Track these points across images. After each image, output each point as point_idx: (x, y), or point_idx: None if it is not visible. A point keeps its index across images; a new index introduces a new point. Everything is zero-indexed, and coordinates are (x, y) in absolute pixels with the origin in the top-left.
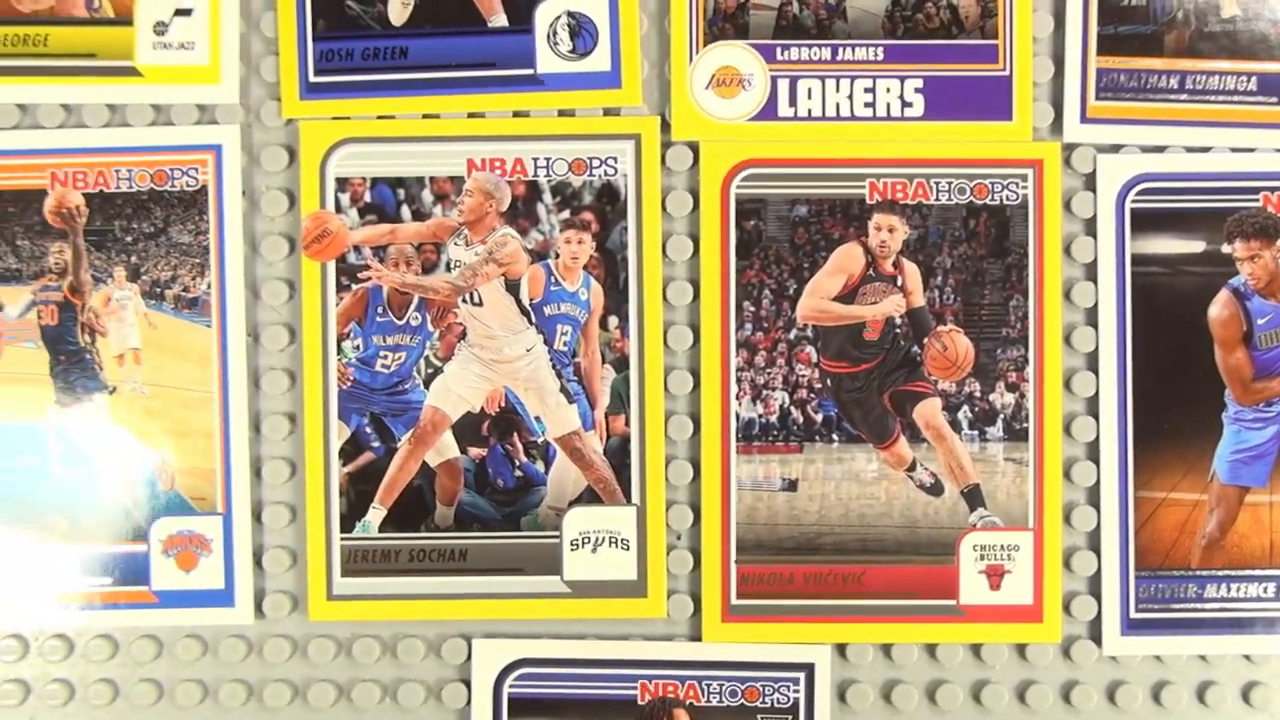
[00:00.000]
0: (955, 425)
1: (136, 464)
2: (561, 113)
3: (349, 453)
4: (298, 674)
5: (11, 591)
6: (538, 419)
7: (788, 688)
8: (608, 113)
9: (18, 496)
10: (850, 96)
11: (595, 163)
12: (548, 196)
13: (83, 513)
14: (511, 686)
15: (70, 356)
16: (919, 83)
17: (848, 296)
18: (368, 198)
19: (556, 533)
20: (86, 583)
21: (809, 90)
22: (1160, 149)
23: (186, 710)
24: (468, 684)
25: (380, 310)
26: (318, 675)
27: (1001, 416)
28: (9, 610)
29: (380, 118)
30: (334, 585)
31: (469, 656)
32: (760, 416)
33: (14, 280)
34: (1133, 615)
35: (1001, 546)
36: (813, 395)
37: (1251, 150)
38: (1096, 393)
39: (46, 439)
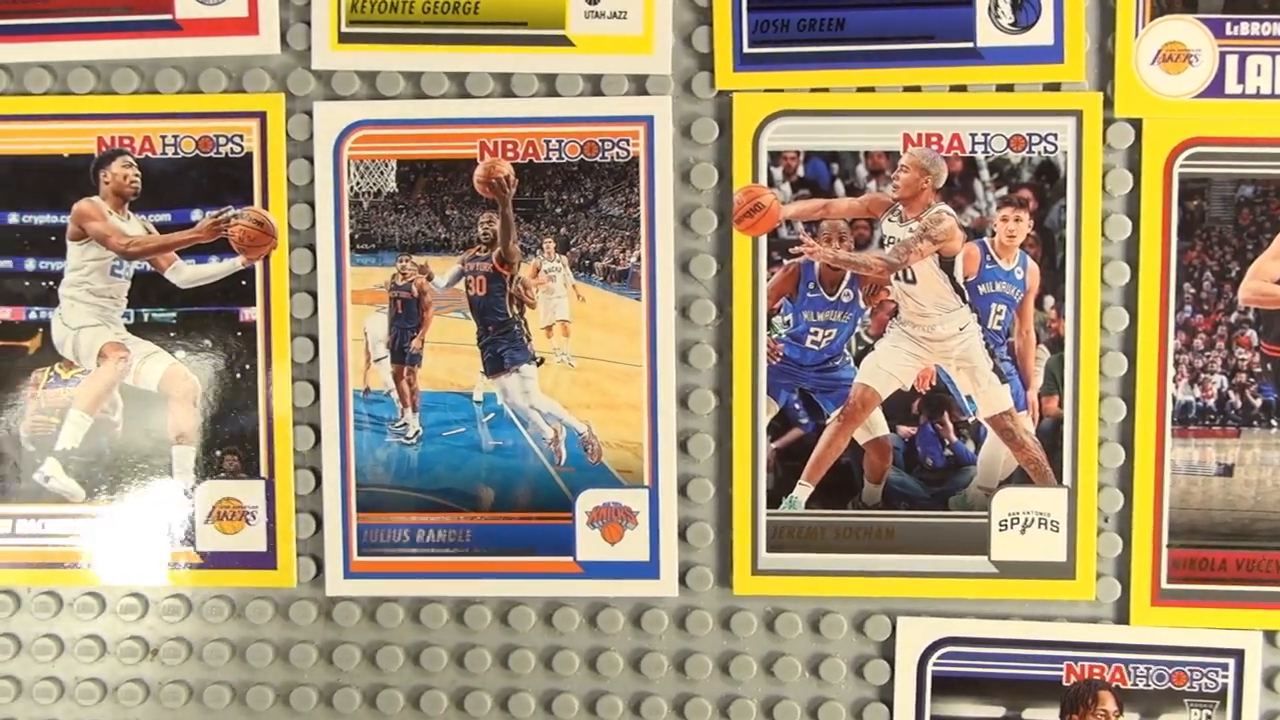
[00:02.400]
0: None
1: (563, 436)
2: (1000, 87)
3: (777, 428)
4: (718, 647)
5: (447, 560)
6: (969, 398)
7: (1216, 673)
8: (1047, 88)
9: (447, 465)
10: None
11: (1034, 139)
12: (985, 173)
13: (509, 483)
14: (935, 664)
15: (498, 327)
16: None
17: None
18: (801, 172)
19: (985, 513)
20: (512, 552)
21: (1258, 67)
22: None
23: (610, 679)
24: (890, 661)
25: (812, 286)
26: (739, 649)
27: None
28: (442, 577)
29: (814, 90)
30: (759, 560)
31: (892, 633)
32: (1197, 400)
33: (443, 250)
34: None
35: None
36: (1252, 380)
37: None
38: None
39: (474, 410)
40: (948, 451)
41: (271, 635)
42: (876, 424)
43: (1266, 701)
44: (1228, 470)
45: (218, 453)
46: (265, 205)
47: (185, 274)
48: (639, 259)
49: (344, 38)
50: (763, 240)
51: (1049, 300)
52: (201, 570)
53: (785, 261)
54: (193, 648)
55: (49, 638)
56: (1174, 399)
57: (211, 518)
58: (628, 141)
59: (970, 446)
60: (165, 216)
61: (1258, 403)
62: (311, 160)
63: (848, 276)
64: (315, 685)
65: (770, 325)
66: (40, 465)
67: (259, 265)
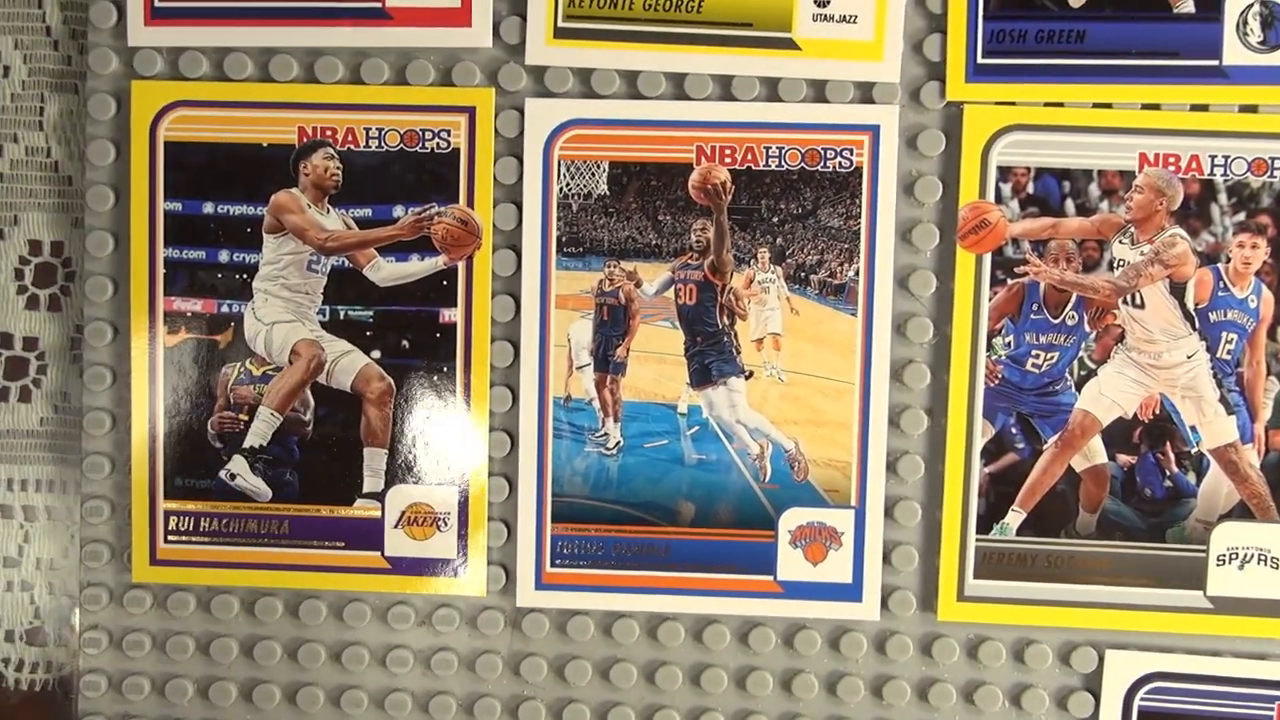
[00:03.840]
0: None
1: (769, 453)
2: (1243, 108)
3: (991, 452)
4: (918, 673)
5: (643, 575)
6: (1193, 429)
7: None
8: None
9: (647, 478)
10: None
11: (1277, 163)
12: (1223, 197)
13: (710, 499)
14: (1143, 700)
15: (707, 338)
16: None
17: None
18: (1030, 189)
19: (1203, 547)
20: (710, 569)
21: None
22: None
23: (804, 702)
24: (1095, 694)
25: (1036, 307)
26: (939, 675)
27: None
28: (637, 592)
29: (1048, 104)
30: (966, 586)
31: (1099, 666)
32: None
33: (653, 256)
34: None
35: None
36: None
37: None
38: None
39: (678, 422)
40: (1168, 482)
41: (457, 644)
42: (1095, 451)
43: None
44: None
45: (410, 456)
46: (470, 204)
47: (384, 272)
48: (857, 273)
49: (559, 33)
50: (986, 258)
51: None
52: (388, 575)
53: (1009, 281)
54: (373, 653)
55: (228, 637)
56: None
57: (401, 523)
58: (851, 151)
59: (1191, 478)
60: (366, 212)
61: None
62: (520, 159)
63: (1073, 299)
64: (500, 697)
65: (990, 346)
66: (226, 463)
67: (461, 265)
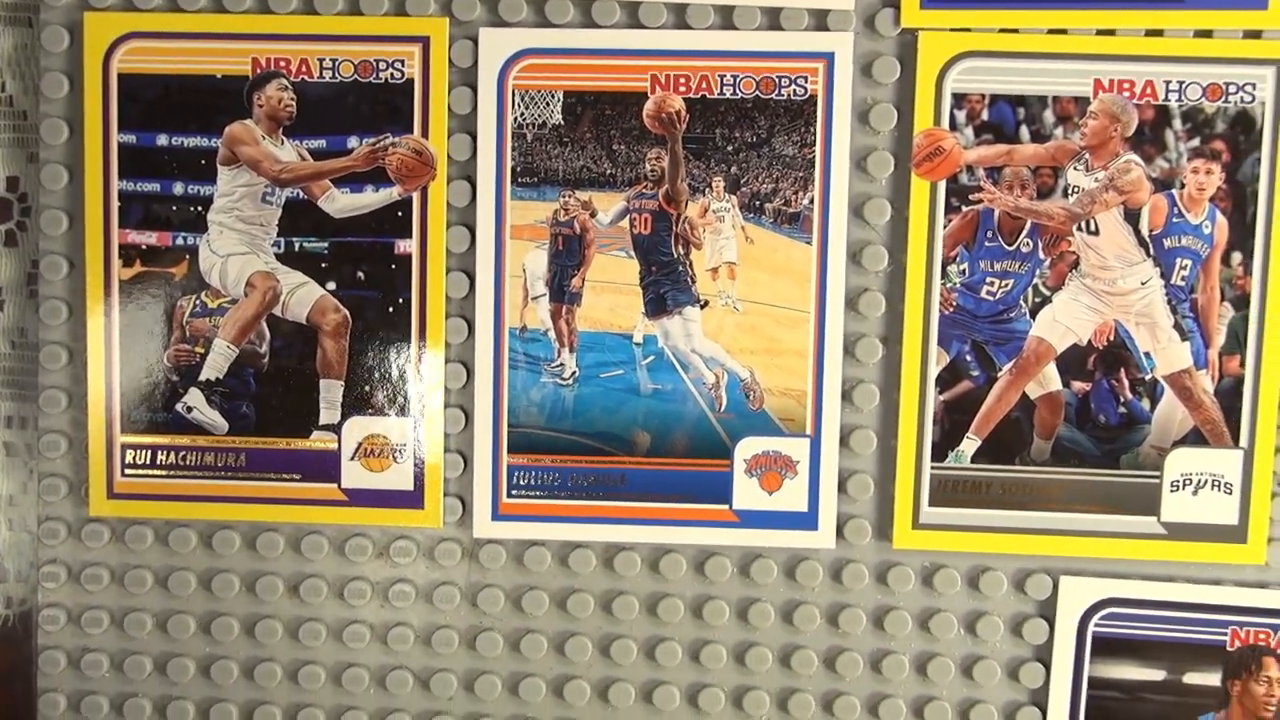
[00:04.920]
0: None
1: (725, 382)
2: (1198, 33)
3: (946, 380)
4: (873, 601)
5: (599, 505)
6: (1147, 355)
7: None
8: (1248, 35)
9: (603, 407)
10: None
11: (1231, 89)
12: (1177, 123)
13: (666, 428)
14: (1097, 625)
15: (662, 267)
16: None
17: None
18: (985, 116)
19: (1157, 473)
20: (666, 498)
21: None
22: None
23: (760, 630)
24: (1050, 620)
25: (990, 235)
26: (894, 603)
27: None
28: (593, 522)
29: (1003, 31)
30: (920, 514)
31: (1053, 593)
32: None
33: (608, 186)
34: None
35: None
36: None
37: None
38: None
39: (633, 352)
40: (1122, 409)
41: (415, 576)
42: (1050, 378)
43: None
44: None
45: (366, 388)
46: (425, 134)
47: (339, 203)
48: (811, 201)
49: None
50: (941, 185)
51: (1236, 256)
52: (345, 508)
53: (964, 208)
54: (331, 585)
55: (186, 570)
56: None
57: (358, 454)
58: (805, 79)
59: (1145, 404)
60: (320, 143)
61: None
62: (474, 89)
63: (1028, 226)
64: (458, 628)
65: (945, 274)
66: (183, 396)
67: (416, 196)
